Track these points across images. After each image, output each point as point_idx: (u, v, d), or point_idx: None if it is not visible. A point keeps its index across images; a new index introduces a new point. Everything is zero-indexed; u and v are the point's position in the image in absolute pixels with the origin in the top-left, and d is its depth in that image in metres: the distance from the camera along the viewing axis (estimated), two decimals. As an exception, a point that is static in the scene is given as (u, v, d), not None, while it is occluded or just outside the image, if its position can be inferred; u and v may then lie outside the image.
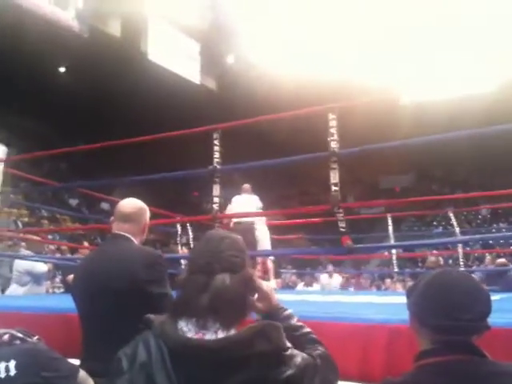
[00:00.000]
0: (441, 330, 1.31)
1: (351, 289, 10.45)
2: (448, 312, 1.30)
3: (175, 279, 1.64)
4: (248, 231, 6.00)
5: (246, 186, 6.64)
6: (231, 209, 6.26)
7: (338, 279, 10.81)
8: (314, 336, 1.52)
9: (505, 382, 1.23)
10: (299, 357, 1.30)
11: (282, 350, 1.27)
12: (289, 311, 1.56)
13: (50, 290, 9.74)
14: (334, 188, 3.53)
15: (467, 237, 10.15)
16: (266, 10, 15.74)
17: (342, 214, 3.53)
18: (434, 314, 1.32)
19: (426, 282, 1.40)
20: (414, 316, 1.41)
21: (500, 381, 1.23)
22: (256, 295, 1.49)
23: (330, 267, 11.26)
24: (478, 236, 14.69)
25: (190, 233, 8.15)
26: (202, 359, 1.23)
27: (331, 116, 3.60)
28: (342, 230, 3.54)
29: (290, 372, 1.25)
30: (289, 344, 1.31)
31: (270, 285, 1.57)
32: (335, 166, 3.54)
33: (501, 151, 19.04)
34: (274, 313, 1.47)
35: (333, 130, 3.58)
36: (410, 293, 1.44)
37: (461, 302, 1.30)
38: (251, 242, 5.97)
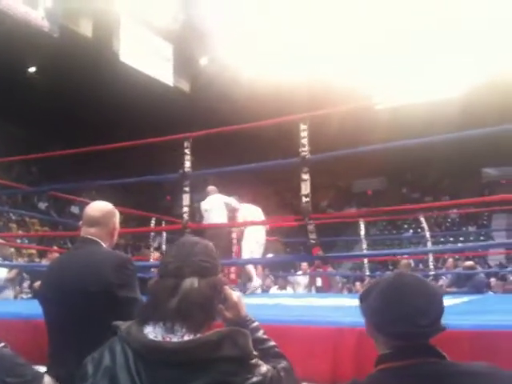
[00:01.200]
0: (398, 337, 1.32)
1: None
2: (404, 318, 1.30)
3: (146, 283, 1.63)
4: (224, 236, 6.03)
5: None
6: (244, 216, 6.28)
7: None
8: (278, 350, 1.53)
9: (464, 382, 1.25)
10: (264, 367, 1.31)
11: (248, 357, 1.28)
12: (256, 323, 1.56)
13: (18, 296, 9.55)
14: (304, 199, 3.56)
15: (439, 247, 10.38)
16: (240, 10, 15.75)
17: (312, 226, 3.56)
18: (390, 321, 1.32)
19: (380, 288, 1.39)
20: (369, 323, 1.41)
21: (459, 381, 1.25)
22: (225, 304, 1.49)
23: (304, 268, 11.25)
24: (448, 247, 15.12)
25: (164, 236, 8.12)
26: (166, 361, 1.23)
27: (302, 126, 3.62)
28: (312, 241, 3.57)
29: (255, 379, 1.25)
30: (255, 352, 1.32)
31: (239, 295, 1.57)
32: (306, 177, 3.58)
33: (469, 155, 19.48)
34: (241, 323, 1.47)
35: (304, 141, 3.60)
36: (363, 298, 1.43)
37: (417, 308, 1.31)
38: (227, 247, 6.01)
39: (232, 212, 6.40)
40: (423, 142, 4.06)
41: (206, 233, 6.07)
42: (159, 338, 1.27)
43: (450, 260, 9.39)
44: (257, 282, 6.23)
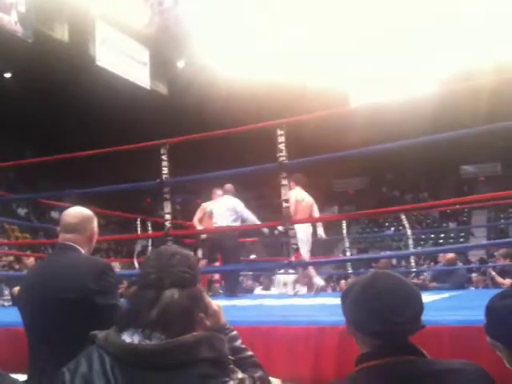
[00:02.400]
0: (376, 335, 1.33)
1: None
2: (381, 317, 1.31)
3: (124, 293, 1.62)
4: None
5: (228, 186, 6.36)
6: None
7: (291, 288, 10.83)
8: (255, 359, 1.53)
9: (444, 379, 1.26)
10: (240, 374, 1.32)
11: (224, 360, 1.29)
12: (235, 332, 1.57)
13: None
14: (284, 204, 3.58)
15: (419, 250, 10.47)
16: (215, 12, 15.72)
17: (293, 231, 3.58)
18: (367, 320, 1.33)
19: (358, 289, 1.40)
20: (348, 322, 1.42)
21: (440, 378, 1.26)
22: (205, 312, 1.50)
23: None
24: (430, 249, 15.33)
25: (150, 240, 8.06)
26: (143, 364, 1.24)
27: (279, 132, 3.64)
28: (293, 246, 3.60)
29: (232, 383, 1.26)
30: (232, 358, 1.33)
31: (219, 304, 1.58)
32: (285, 182, 3.61)
33: (447, 153, 19.72)
34: (220, 331, 1.47)
35: (281, 146, 3.61)
36: (343, 298, 1.45)
37: (393, 306, 1.32)
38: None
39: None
40: (401, 144, 4.09)
41: (214, 235, 6.05)
42: (136, 342, 1.27)
43: (442, 255, 9.43)
44: (320, 281, 6.10)
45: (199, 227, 6.61)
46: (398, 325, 1.30)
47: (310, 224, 6.07)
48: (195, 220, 6.66)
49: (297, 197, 5.83)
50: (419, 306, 1.36)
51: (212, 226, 6.24)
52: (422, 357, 1.34)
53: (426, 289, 6.59)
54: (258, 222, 6.28)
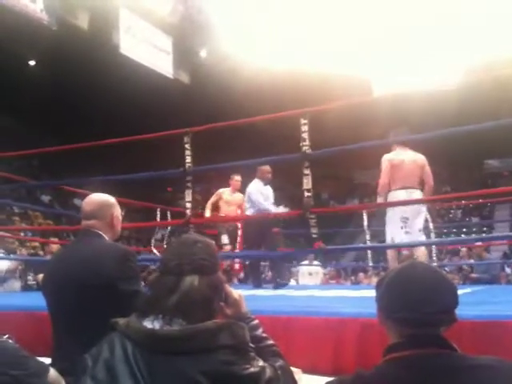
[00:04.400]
0: (405, 323, 1.32)
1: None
2: (412, 305, 1.30)
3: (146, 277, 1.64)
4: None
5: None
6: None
7: (317, 279, 10.88)
8: (276, 349, 1.54)
9: (477, 375, 1.23)
10: (261, 361, 1.33)
11: (245, 347, 1.31)
12: (256, 321, 1.57)
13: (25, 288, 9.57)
14: (306, 194, 3.56)
15: (441, 240, 10.30)
16: (239, 1, 15.66)
17: (314, 220, 3.56)
18: (398, 307, 1.33)
19: (392, 275, 1.40)
20: (380, 309, 1.42)
21: (472, 374, 1.23)
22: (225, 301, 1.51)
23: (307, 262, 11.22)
24: (452, 238, 14.70)
25: (168, 229, 8.10)
26: (164, 349, 1.25)
27: (303, 121, 3.62)
28: (313, 235, 3.57)
29: (252, 370, 1.27)
30: (252, 345, 1.34)
31: (240, 293, 1.58)
32: (308, 171, 3.58)
33: (471, 147, 19.42)
34: (241, 320, 1.47)
35: (304, 135, 3.60)
36: (378, 286, 1.45)
37: (425, 296, 1.31)
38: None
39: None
40: (424, 137, 4.05)
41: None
42: (157, 328, 1.29)
43: (464, 250, 9.34)
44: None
45: (208, 212, 6.61)
46: (428, 315, 1.29)
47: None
48: (208, 204, 6.69)
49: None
50: (453, 299, 1.34)
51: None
52: (453, 351, 1.31)
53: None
54: (264, 207, 5.77)
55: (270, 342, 1.54)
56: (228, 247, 6.10)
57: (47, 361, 1.95)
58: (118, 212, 2.35)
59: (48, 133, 17.82)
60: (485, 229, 21.12)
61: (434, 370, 1.24)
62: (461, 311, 1.36)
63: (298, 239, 13.74)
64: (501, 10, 14.00)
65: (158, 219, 7.47)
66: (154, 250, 7.42)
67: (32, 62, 17.49)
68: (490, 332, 2.14)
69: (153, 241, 7.98)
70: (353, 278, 14.36)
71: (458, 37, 15.05)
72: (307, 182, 3.56)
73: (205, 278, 1.35)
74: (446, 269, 8.90)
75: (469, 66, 14.36)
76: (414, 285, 1.33)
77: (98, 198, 2.34)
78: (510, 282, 8.43)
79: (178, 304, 1.30)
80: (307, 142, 3.59)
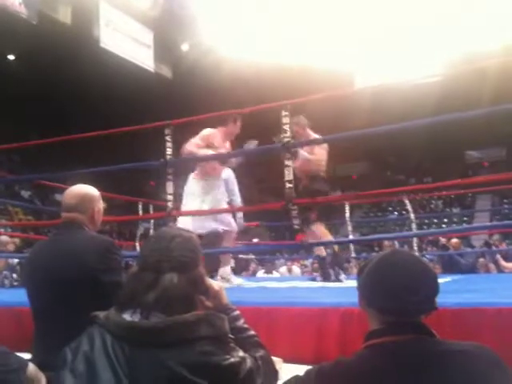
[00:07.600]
0: (387, 312, 1.32)
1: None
2: (394, 293, 1.30)
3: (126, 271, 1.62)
4: None
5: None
6: None
7: (297, 270, 10.94)
8: (257, 339, 1.54)
9: (454, 360, 1.24)
10: (241, 352, 1.33)
11: (225, 338, 1.31)
12: (237, 312, 1.58)
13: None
14: (288, 185, 3.58)
15: (422, 231, 10.33)
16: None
17: (296, 211, 3.58)
18: (380, 295, 1.33)
19: (373, 263, 1.40)
20: (361, 297, 1.42)
21: (450, 359, 1.24)
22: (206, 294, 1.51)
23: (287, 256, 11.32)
24: (433, 230, 14.80)
25: (151, 222, 8.05)
26: (143, 341, 1.25)
27: (284, 113, 3.64)
28: (295, 227, 3.60)
29: (232, 360, 1.27)
30: (232, 336, 1.35)
31: (220, 285, 1.59)
32: (289, 162, 3.60)
33: (452, 138, 19.62)
34: (222, 312, 1.47)
35: (286, 127, 3.62)
36: (359, 273, 1.45)
37: (407, 284, 1.31)
38: None
39: None
40: (404, 126, 4.06)
41: None
42: (136, 320, 1.29)
43: (443, 240, 9.41)
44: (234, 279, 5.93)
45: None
46: (412, 303, 1.29)
47: None
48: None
49: None
50: (435, 287, 1.35)
51: None
52: (433, 337, 1.32)
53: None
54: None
55: (251, 332, 1.55)
56: None
57: (27, 356, 1.94)
58: (100, 206, 2.32)
59: (28, 128, 17.62)
60: (465, 219, 21.39)
61: (414, 355, 1.25)
62: (441, 299, 1.37)
63: (283, 232, 13.80)
64: (480, 2, 14.15)
65: (140, 212, 7.42)
66: (138, 246, 7.38)
67: (11, 57, 17.25)
68: (469, 319, 2.17)
69: (137, 236, 7.94)
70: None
71: (439, 30, 15.18)
72: (288, 174, 3.58)
73: (184, 275, 1.35)
74: (428, 256, 8.99)
75: (449, 58, 14.52)
76: (397, 273, 1.33)
77: (79, 189, 2.29)
78: (489, 270, 8.54)
79: (157, 299, 1.30)
80: (288, 134, 3.61)
